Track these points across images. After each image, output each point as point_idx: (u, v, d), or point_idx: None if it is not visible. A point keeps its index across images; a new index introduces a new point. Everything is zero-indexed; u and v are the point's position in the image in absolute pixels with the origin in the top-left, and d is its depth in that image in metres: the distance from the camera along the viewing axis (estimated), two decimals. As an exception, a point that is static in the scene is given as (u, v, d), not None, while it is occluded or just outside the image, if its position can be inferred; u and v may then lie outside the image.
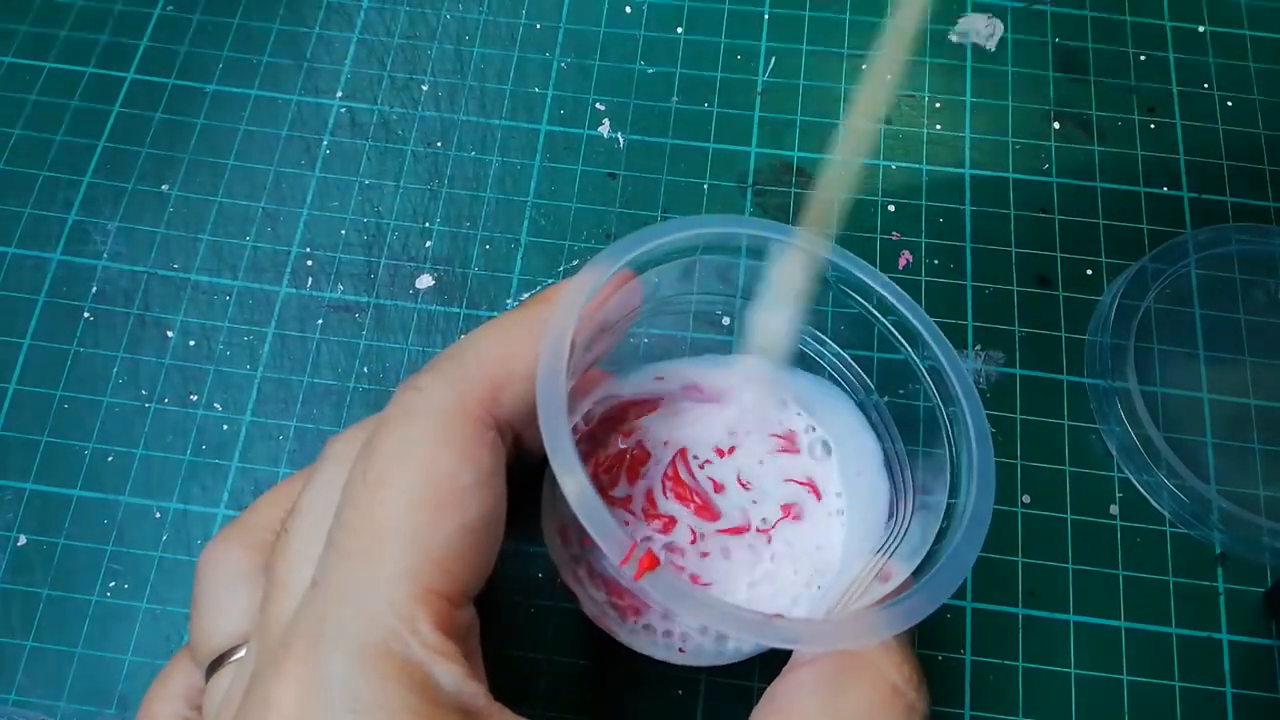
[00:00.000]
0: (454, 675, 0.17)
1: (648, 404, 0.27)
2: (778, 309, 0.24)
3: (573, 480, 0.19)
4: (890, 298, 0.23)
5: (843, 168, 0.22)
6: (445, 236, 0.35)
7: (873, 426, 0.25)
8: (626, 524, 0.25)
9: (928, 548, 0.21)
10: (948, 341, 0.23)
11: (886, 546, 0.23)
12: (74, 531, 0.31)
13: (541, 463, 0.24)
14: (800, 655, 0.20)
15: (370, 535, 0.18)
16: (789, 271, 0.23)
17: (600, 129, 0.37)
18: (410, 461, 0.19)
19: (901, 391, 0.24)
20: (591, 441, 0.26)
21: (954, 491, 0.21)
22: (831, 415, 0.26)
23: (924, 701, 0.19)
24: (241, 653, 0.20)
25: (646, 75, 0.38)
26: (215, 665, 0.20)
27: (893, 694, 0.19)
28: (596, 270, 0.22)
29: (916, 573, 0.20)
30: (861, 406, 0.26)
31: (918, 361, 0.23)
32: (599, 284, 0.21)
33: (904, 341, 0.23)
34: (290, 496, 0.22)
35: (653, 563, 0.18)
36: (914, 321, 0.23)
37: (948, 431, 0.22)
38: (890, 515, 0.24)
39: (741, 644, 0.24)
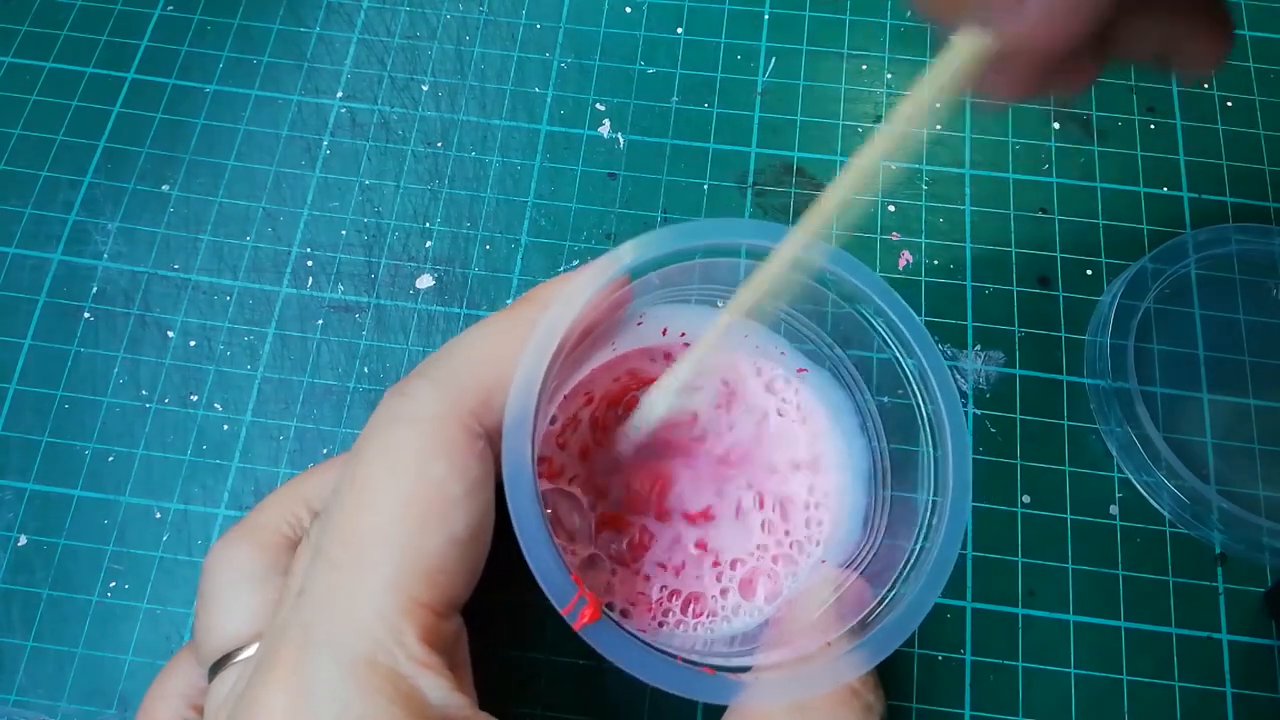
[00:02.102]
0: (440, 688, 0.17)
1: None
2: (663, 391, 0.24)
3: (529, 525, 0.18)
4: (878, 299, 0.23)
5: (859, 172, 0.20)
6: (445, 236, 0.35)
7: (865, 430, 0.25)
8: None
9: (905, 553, 0.21)
10: (932, 343, 0.22)
11: (860, 554, 0.23)
12: (74, 531, 0.31)
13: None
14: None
15: (358, 544, 0.18)
16: (683, 364, 0.23)
17: (600, 129, 0.37)
18: (398, 470, 0.18)
19: (900, 392, 0.24)
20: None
21: (935, 491, 0.21)
22: (829, 419, 0.26)
23: (880, 702, 0.21)
24: (246, 653, 0.20)
25: (646, 75, 0.38)
26: (219, 665, 0.20)
27: (850, 695, 0.20)
28: (591, 279, 0.21)
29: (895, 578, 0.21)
30: (857, 408, 0.26)
31: (902, 362, 0.23)
32: (590, 296, 0.21)
33: (891, 342, 0.23)
34: (297, 497, 0.22)
35: (594, 615, 0.18)
36: (900, 323, 0.23)
37: (928, 433, 0.22)
38: (865, 523, 0.24)
39: (718, 643, 0.24)
